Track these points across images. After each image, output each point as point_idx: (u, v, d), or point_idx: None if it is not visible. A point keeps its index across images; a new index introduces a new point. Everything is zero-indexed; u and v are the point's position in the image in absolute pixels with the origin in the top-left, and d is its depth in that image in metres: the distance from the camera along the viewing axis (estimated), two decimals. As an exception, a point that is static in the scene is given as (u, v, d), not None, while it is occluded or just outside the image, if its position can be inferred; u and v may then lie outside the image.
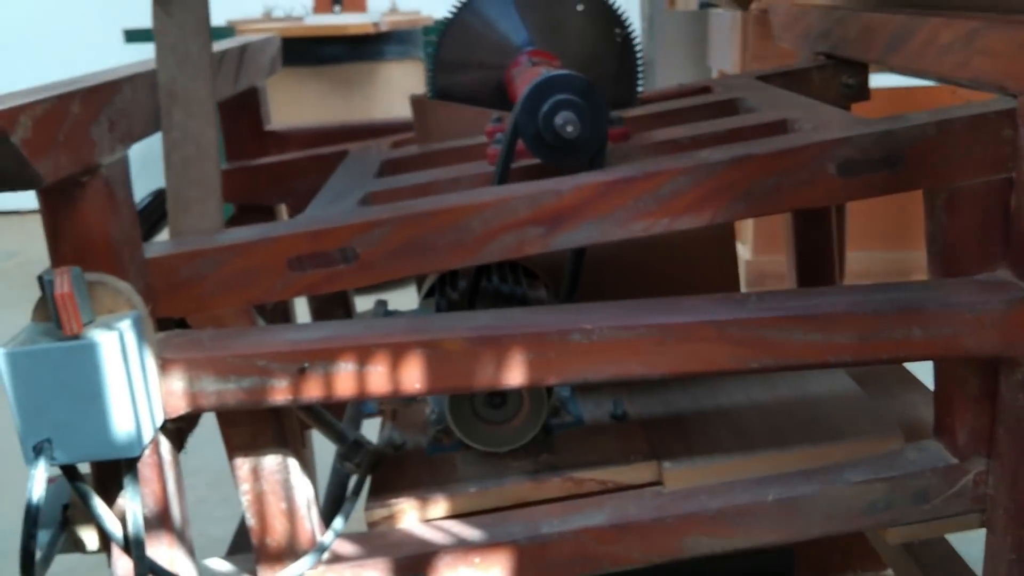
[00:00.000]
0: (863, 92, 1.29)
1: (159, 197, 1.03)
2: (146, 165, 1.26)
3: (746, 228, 2.92)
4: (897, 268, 2.74)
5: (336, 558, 0.91)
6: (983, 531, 0.93)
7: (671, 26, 3.84)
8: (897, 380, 1.18)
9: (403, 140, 1.32)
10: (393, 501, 0.95)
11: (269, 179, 1.33)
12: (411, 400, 1.08)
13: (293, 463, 0.89)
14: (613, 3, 1.21)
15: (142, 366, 0.78)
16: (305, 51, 3.16)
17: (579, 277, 1.01)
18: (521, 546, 0.90)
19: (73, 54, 4.14)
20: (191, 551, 0.89)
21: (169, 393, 0.81)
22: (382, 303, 1.14)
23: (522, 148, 0.96)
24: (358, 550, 0.92)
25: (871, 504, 0.91)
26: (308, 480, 0.91)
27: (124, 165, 0.83)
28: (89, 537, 0.89)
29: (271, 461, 0.89)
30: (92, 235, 0.78)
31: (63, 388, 0.74)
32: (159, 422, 0.81)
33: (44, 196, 0.77)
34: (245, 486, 0.89)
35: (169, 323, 0.85)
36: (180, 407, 0.82)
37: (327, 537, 0.91)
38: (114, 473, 0.81)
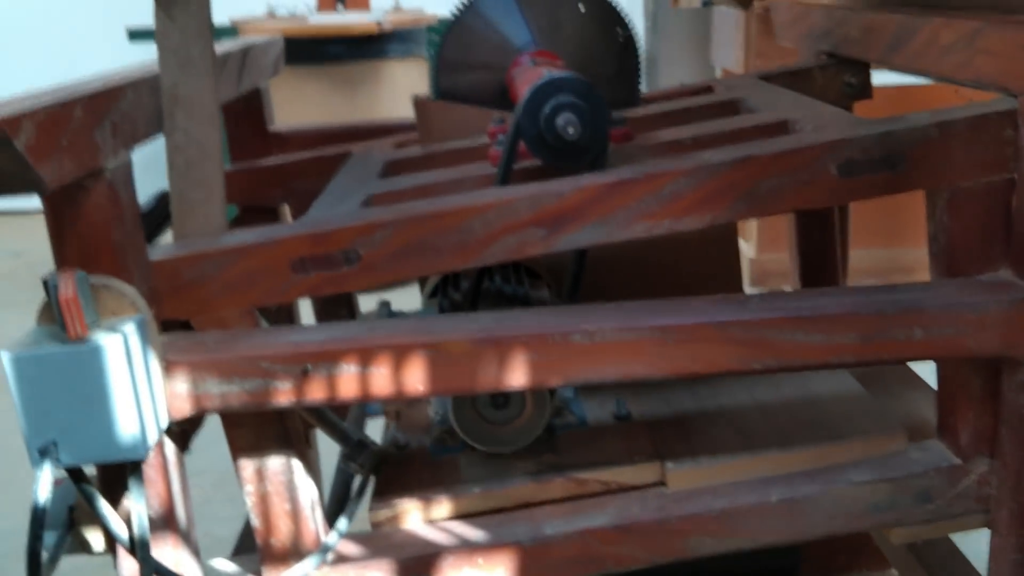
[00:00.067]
0: (866, 91, 1.29)
1: (163, 199, 1.03)
2: (149, 167, 1.26)
3: (750, 226, 2.92)
4: (895, 266, 2.74)
5: (340, 558, 0.91)
6: (987, 530, 0.93)
7: (675, 23, 3.84)
8: (900, 379, 1.18)
9: (406, 141, 1.32)
10: (397, 502, 0.96)
11: (273, 180, 1.34)
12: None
13: (297, 464, 0.90)
14: (615, 3, 1.21)
15: (146, 369, 0.78)
16: (309, 50, 3.16)
17: (581, 277, 1.01)
18: (524, 547, 0.90)
19: (77, 53, 4.16)
20: (196, 551, 0.90)
21: (173, 395, 0.81)
22: (385, 303, 1.15)
23: (524, 149, 0.96)
24: (362, 551, 0.92)
25: (874, 504, 0.91)
26: (312, 481, 0.92)
27: (127, 168, 0.83)
28: (95, 538, 0.89)
29: (275, 462, 0.89)
30: (96, 238, 0.78)
31: (68, 391, 0.75)
32: (164, 424, 0.81)
33: (48, 200, 0.77)
34: (249, 487, 0.90)
35: (173, 325, 0.86)
36: (184, 409, 0.82)
37: (331, 538, 0.91)
38: (119, 475, 0.82)
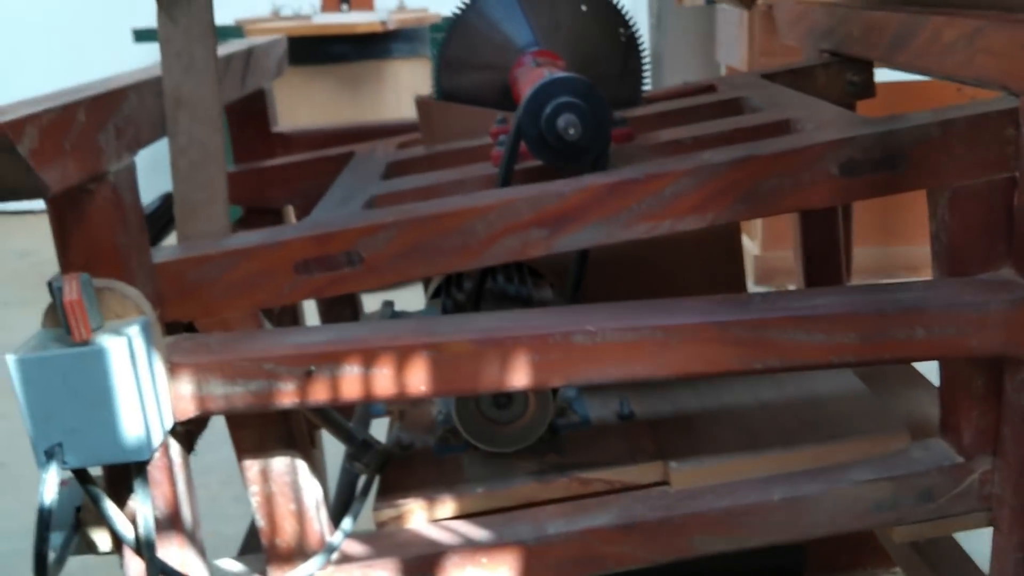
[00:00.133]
0: (868, 89, 1.29)
1: (167, 201, 1.04)
2: (153, 169, 1.26)
3: (754, 224, 2.92)
4: (894, 264, 2.74)
5: (345, 558, 0.91)
6: (990, 528, 0.93)
7: (679, 21, 3.84)
8: (903, 377, 1.18)
9: (409, 141, 1.32)
10: (401, 501, 0.96)
11: (276, 181, 1.34)
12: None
13: (302, 464, 0.90)
14: (617, 3, 1.21)
15: (151, 370, 0.79)
16: (313, 49, 3.17)
17: (583, 277, 1.01)
18: (528, 546, 0.90)
19: (82, 54, 4.17)
20: (202, 551, 0.90)
21: (178, 397, 0.82)
22: (389, 304, 1.15)
23: (526, 150, 0.97)
24: (366, 550, 0.92)
25: (877, 503, 0.91)
26: (317, 481, 0.92)
27: (131, 171, 0.83)
28: (101, 539, 0.90)
29: (280, 463, 0.89)
30: (100, 241, 0.79)
31: (73, 393, 0.75)
32: (168, 425, 0.82)
33: (52, 204, 0.77)
34: (255, 487, 0.90)
35: (177, 327, 0.86)
36: (189, 411, 0.82)
37: (336, 537, 0.91)
38: (125, 476, 0.82)
